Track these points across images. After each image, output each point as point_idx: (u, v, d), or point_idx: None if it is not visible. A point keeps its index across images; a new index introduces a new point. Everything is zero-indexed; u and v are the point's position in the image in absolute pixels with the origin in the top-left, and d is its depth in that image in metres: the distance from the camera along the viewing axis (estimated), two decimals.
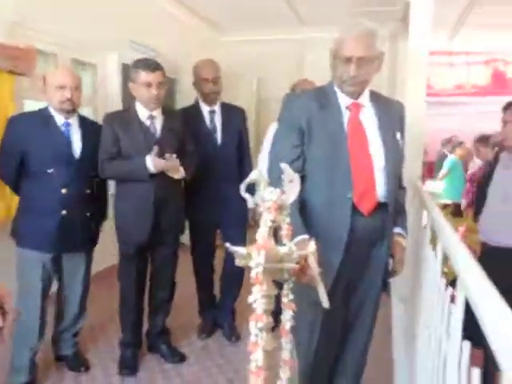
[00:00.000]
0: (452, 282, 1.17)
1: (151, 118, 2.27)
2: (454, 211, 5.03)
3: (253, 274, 1.06)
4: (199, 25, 5.37)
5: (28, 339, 2.14)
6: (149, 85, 2.19)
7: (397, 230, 1.70)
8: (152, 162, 2.14)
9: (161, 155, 2.15)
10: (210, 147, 2.59)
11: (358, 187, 1.54)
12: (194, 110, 2.65)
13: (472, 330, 0.87)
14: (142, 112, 2.26)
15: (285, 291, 1.20)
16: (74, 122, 2.21)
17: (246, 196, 1.23)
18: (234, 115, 2.70)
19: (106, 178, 2.35)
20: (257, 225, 1.14)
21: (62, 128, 2.17)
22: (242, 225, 2.69)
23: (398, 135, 1.66)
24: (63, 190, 2.12)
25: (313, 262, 1.21)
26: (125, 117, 2.27)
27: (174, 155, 2.16)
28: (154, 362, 2.44)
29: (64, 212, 2.13)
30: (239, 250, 1.10)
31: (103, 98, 3.79)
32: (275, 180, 1.30)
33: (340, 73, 1.54)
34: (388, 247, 1.66)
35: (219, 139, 2.63)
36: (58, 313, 2.34)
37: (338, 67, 1.54)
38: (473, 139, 4.48)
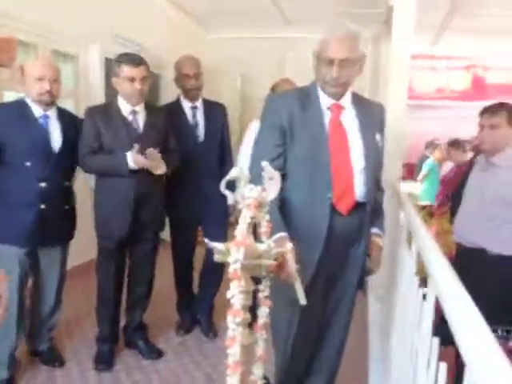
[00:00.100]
0: (424, 281, 1.20)
1: (134, 113, 2.25)
2: (432, 212, 5.13)
3: (231, 269, 1.08)
4: (185, 21, 5.35)
5: (7, 335, 2.10)
6: (132, 79, 2.17)
7: (374, 230, 1.74)
8: (132, 159, 2.13)
9: (142, 151, 2.14)
10: (192, 143, 2.59)
11: (337, 187, 1.57)
12: (176, 106, 2.65)
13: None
14: (125, 107, 2.24)
15: (262, 287, 1.21)
16: (52, 114, 2.17)
17: (226, 192, 1.25)
18: (215, 111, 2.71)
19: (87, 172, 2.33)
20: (237, 222, 1.16)
21: (40, 120, 2.13)
22: (223, 221, 2.70)
23: (378, 137, 1.69)
24: (42, 184, 2.09)
25: (290, 259, 1.23)
26: (107, 111, 2.25)
27: (156, 150, 2.16)
28: (131, 358, 2.43)
29: (42, 206, 2.10)
30: (218, 245, 1.11)
31: (85, 90, 3.74)
32: (256, 178, 1.32)
33: (322, 74, 1.56)
34: (365, 246, 1.69)
35: (201, 135, 2.63)
36: (33, 307, 2.31)
37: (321, 68, 1.56)
38: (445, 143, 4.59)
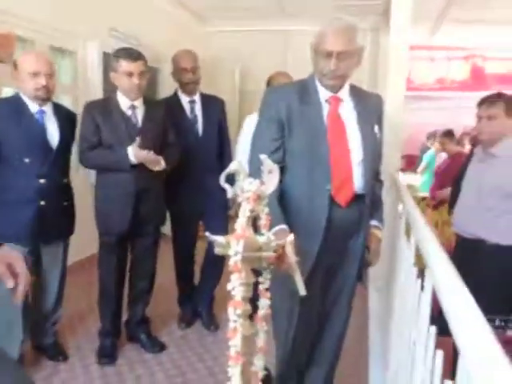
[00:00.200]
0: (422, 272, 1.21)
1: (132, 107, 2.26)
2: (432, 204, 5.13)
3: (231, 262, 1.09)
4: (183, 14, 5.32)
5: (13, 332, 2.11)
6: (130, 74, 2.17)
7: (373, 222, 1.75)
8: (133, 153, 2.14)
9: (143, 145, 2.14)
10: (192, 138, 2.60)
11: (336, 179, 1.57)
12: (174, 100, 2.65)
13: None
14: (124, 102, 2.25)
15: (262, 279, 1.23)
16: (48, 109, 2.16)
17: (226, 186, 1.26)
18: (213, 105, 2.71)
19: (87, 168, 2.34)
20: (237, 215, 1.17)
21: (37, 116, 2.11)
22: (223, 215, 2.71)
23: (376, 128, 1.70)
24: (41, 180, 2.08)
25: (290, 251, 1.24)
26: (106, 106, 2.25)
27: (151, 152, 2.16)
28: (134, 352, 2.45)
29: (42, 202, 2.10)
30: (218, 239, 1.13)
31: (83, 86, 3.74)
32: (255, 171, 1.33)
33: (320, 67, 1.57)
34: (364, 238, 1.70)
35: (200, 130, 2.63)
36: (36, 303, 2.31)
37: (319, 61, 1.56)
38: (439, 134, 4.59)
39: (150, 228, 2.37)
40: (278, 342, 1.79)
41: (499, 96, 2.13)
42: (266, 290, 1.23)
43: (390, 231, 2.29)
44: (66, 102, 3.65)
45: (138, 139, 2.12)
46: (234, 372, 1.13)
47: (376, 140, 1.69)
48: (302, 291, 1.27)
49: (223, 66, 5.49)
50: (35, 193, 2.08)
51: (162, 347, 2.48)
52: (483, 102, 2.16)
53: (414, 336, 1.21)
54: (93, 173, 2.49)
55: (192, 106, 2.64)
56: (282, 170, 1.56)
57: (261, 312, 1.23)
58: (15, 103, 2.10)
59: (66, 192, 2.26)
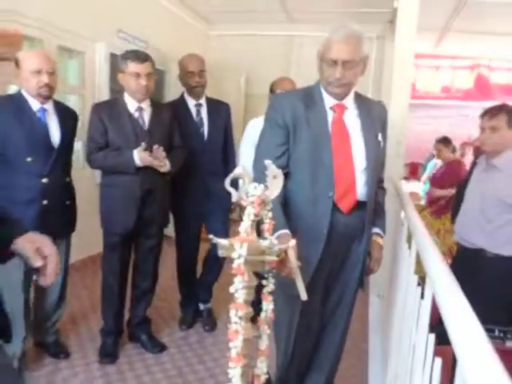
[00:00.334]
0: (422, 279, 1.23)
1: (140, 109, 2.28)
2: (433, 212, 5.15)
3: (235, 265, 1.11)
4: (189, 17, 5.36)
5: (16, 329, 2.11)
6: (137, 75, 2.20)
7: (375, 229, 1.76)
8: (139, 156, 2.16)
9: (148, 148, 2.17)
10: (197, 140, 2.62)
11: (339, 186, 1.59)
12: (181, 103, 2.68)
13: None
14: (131, 103, 2.27)
15: (265, 282, 1.24)
16: (49, 107, 2.15)
17: (231, 190, 1.28)
18: (219, 109, 2.74)
19: (93, 168, 2.37)
20: (240, 219, 1.19)
21: (38, 114, 2.10)
22: (225, 218, 2.74)
23: (380, 137, 1.72)
24: (43, 180, 2.07)
25: (292, 255, 1.26)
26: (113, 107, 2.28)
27: (161, 148, 2.19)
28: (135, 351, 2.47)
29: (45, 202, 2.08)
30: (222, 241, 1.15)
31: (91, 86, 3.77)
32: (259, 175, 1.35)
33: (326, 74, 1.59)
34: (366, 245, 1.72)
35: (206, 133, 2.66)
36: (38, 301, 2.32)
37: (325, 69, 1.59)
38: (435, 140, 4.61)
39: (153, 229, 2.39)
40: (278, 345, 1.80)
41: (502, 107, 2.15)
42: (270, 293, 1.24)
43: (391, 238, 2.31)
44: (73, 101, 3.69)
45: (143, 144, 2.14)
46: (235, 373, 1.15)
47: (379, 148, 1.71)
48: (304, 296, 1.29)
49: (229, 69, 5.51)
50: (38, 192, 2.07)
51: (162, 348, 2.50)
52: (486, 114, 2.17)
53: (413, 343, 1.23)
54: (99, 173, 2.52)
55: (198, 110, 2.67)
56: (286, 176, 1.58)
57: (264, 315, 1.24)
58: (17, 101, 2.08)
59: (68, 191, 2.26)
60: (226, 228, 2.73)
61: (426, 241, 1.28)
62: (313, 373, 1.91)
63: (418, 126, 7.25)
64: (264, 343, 1.24)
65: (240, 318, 1.13)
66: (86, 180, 3.43)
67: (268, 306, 1.24)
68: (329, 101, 1.65)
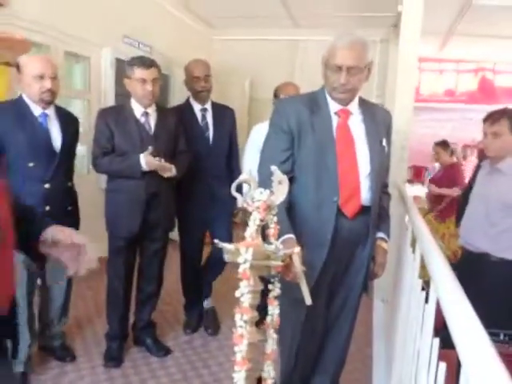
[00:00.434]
0: (427, 283, 1.24)
1: (146, 114, 2.30)
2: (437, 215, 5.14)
3: (240, 269, 1.12)
4: (194, 22, 5.39)
5: (22, 335, 2.12)
6: (143, 81, 2.23)
7: (379, 234, 1.77)
8: (145, 161, 2.18)
9: (154, 153, 2.19)
10: (202, 145, 2.64)
11: (343, 191, 1.60)
12: (187, 107, 2.70)
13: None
14: (137, 109, 2.30)
15: (271, 287, 1.25)
16: (51, 112, 2.15)
17: (237, 195, 1.29)
18: (224, 114, 2.76)
19: (99, 173, 2.39)
20: (243, 223, 1.20)
21: (40, 119, 2.10)
22: (228, 222, 2.77)
23: (384, 142, 1.73)
24: (46, 185, 2.07)
25: (297, 260, 1.27)
26: (120, 113, 2.30)
27: (162, 160, 2.21)
28: (140, 355, 2.48)
29: (47, 208, 2.07)
30: (228, 246, 1.16)
31: (96, 91, 3.81)
32: (264, 180, 1.36)
33: (331, 80, 1.60)
34: (370, 249, 1.73)
35: (211, 137, 2.68)
36: (43, 306, 2.33)
37: (329, 75, 1.60)
38: (434, 143, 4.62)
39: (158, 233, 2.40)
40: (282, 349, 1.81)
41: (504, 112, 2.14)
42: (275, 298, 1.25)
43: (395, 242, 2.31)
44: (78, 106, 3.73)
45: (150, 148, 2.17)
46: (240, 377, 1.16)
47: (384, 153, 1.72)
48: (308, 300, 1.30)
49: (233, 74, 5.54)
50: (40, 198, 2.05)
51: (167, 351, 2.51)
52: (487, 119, 2.17)
53: (417, 347, 1.23)
54: (103, 178, 2.53)
55: (203, 114, 2.69)
56: (291, 181, 1.59)
57: (270, 320, 1.25)
58: (18, 106, 2.08)
59: (71, 196, 2.26)
60: (230, 233, 2.76)
61: (430, 245, 1.29)
62: (317, 376, 1.91)
63: (421, 129, 7.25)
64: (270, 347, 1.25)
65: (245, 322, 1.14)
66: (90, 185, 3.45)
67: (274, 310, 1.25)
68: (333, 106, 1.66)
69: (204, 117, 2.68)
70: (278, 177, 1.29)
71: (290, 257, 1.27)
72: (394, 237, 2.16)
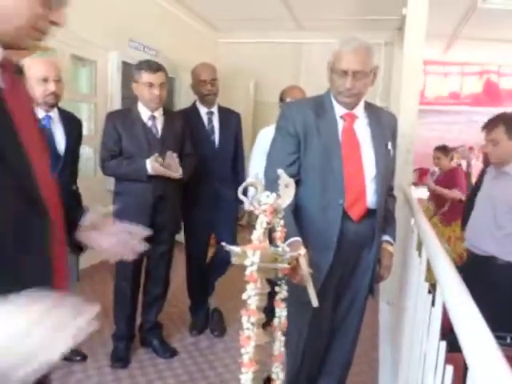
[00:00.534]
0: (433, 286, 1.24)
1: (153, 118, 2.33)
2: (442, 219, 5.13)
3: (248, 272, 1.13)
4: (199, 25, 5.43)
5: None
6: (151, 85, 2.25)
7: (385, 237, 1.78)
8: (151, 166, 2.20)
9: (161, 156, 2.21)
10: (208, 148, 2.66)
11: (349, 194, 1.61)
12: (193, 111, 2.72)
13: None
14: (144, 112, 2.32)
15: (278, 289, 1.26)
16: (54, 115, 2.15)
17: (243, 198, 1.30)
18: (230, 118, 2.79)
19: (106, 175, 2.41)
20: (249, 225, 1.22)
21: (43, 122, 2.10)
22: (233, 224, 2.80)
23: (390, 145, 1.74)
24: None
25: (303, 262, 1.28)
26: (127, 116, 2.33)
27: (175, 154, 2.23)
28: (146, 356, 2.50)
29: None
30: (235, 248, 1.17)
31: (103, 94, 3.84)
32: (270, 183, 1.37)
33: (337, 85, 1.62)
34: (376, 252, 1.74)
35: (217, 141, 2.70)
36: None
37: (335, 79, 1.61)
38: (434, 148, 4.61)
39: (165, 235, 2.42)
40: (289, 351, 1.81)
41: (499, 119, 2.14)
42: (282, 300, 1.26)
43: (401, 245, 2.31)
44: (85, 110, 3.76)
45: (156, 155, 2.19)
46: (246, 379, 1.17)
47: (389, 156, 1.73)
48: (315, 302, 1.31)
49: (238, 76, 5.56)
50: None
51: (173, 353, 2.52)
52: (485, 127, 2.18)
53: (424, 351, 1.24)
54: (110, 180, 2.56)
55: (210, 118, 2.71)
56: (297, 184, 1.60)
57: (277, 322, 1.26)
58: None
59: (75, 198, 2.27)
60: (234, 234, 2.78)
61: (436, 248, 1.30)
62: (323, 378, 1.92)
63: (427, 132, 7.25)
64: (278, 349, 1.26)
65: (252, 324, 1.14)
66: (96, 186, 3.48)
67: (281, 312, 1.26)
68: (339, 110, 1.68)
69: (210, 120, 2.71)
70: (285, 180, 1.30)
71: (297, 259, 1.28)
72: (400, 239, 2.17)
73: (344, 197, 1.61)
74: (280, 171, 1.31)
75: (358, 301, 1.79)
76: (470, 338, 0.74)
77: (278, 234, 1.28)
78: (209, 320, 2.87)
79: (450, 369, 0.89)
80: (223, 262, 2.68)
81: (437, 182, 4.46)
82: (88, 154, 3.70)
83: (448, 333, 1.11)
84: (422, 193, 5.67)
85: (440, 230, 3.99)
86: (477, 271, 2.15)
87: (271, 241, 1.27)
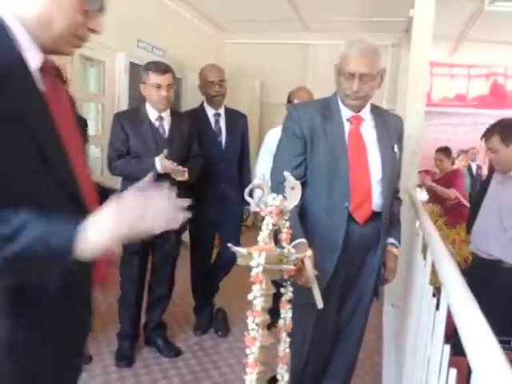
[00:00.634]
0: (438, 290, 1.25)
1: (160, 119, 2.35)
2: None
3: (253, 273, 1.14)
4: (205, 26, 5.44)
5: None
6: (158, 86, 2.27)
7: (390, 240, 1.78)
8: (160, 163, 2.22)
9: (169, 157, 2.22)
10: (215, 149, 2.68)
11: (355, 197, 1.62)
12: (200, 112, 2.74)
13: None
14: (152, 113, 2.34)
15: (284, 291, 1.27)
16: None
17: (250, 200, 1.31)
18: (237, 120, 2.80)
19: (114, 175, 2.43)
20: (254, 226, 1.22)
21: None
22: (237, 225, 2.81)
23: (396, 148, 1.74)
24: None
25: (309, 264, 1.29)
26: (135, 116, 2.35)
27: (175, 164, 2.25)
28: (151, 355, 2.51)
29: None
30: (241, 250, 1.18)
31: (110, 94, 3.86)
32: (276, 185, 1.38)
33: (343, 87, 1.62)
34: (381, 255, 1.74)
35: (223, 142, 2.72)
36: None
37: (342, 82, 1.62)
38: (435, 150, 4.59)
39: (171, 235, 2.43)
40: (293, 353, 1.81)
41: (494, 128, 2.14)
42: (288, 301, 1.27)
43: (406, 248, 2.31)
44: (92, 109, 3.78)
45: (165, 151, 2.20)
46: (251, 379, 1.18)
47: (395, 159, 1.73)
48: (320, 304, 1.31)
49: (244, 77, 5.56)
50: None
51: (177, 352, 2.53)
52: (483, 136, 2.19)
53: (428, 354, 1.24)
54: (118, 179, 2.57)
55: (217, 119, 2.73)
56: (303, 186, 1.61)
57: (282, 323, 1.27)
58: None
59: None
60: (238, 235, 2.80)
61: (441, 251, 1.30)
62: (327, 380, 1.92)
63: (433, 133, 7.21)
64: (283, 350, 1.27)
65: (257, 325, 1.15)
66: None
67: (286, 313, 1.26)
68: (346, 112, 1.68)
69: (217, 122, 2.72)
70: (291, 182, 1.31)
71: (302, 261, 1.29)
72: (405, 242, 2.17)
73: (350, 200, 1.61)
74: (286, 173, 1.31)
75: (363, 303, 1.79)
76: (474, 341, 0.75)
77: (284, 235, 1.29)
78: (213, 320, 2.88)
79: (453, 372, 0.89)
80: (228, 262, 2.70)
81: (436, 181, 4.45)
82: (95, 153, 3.73)
83: (452, 336, 1.12)
84: (421, 195, 5.66)
85: (445, 232, 3.97)
86: (482, 275, 2.14)
87: (277, 242, 1.28)
